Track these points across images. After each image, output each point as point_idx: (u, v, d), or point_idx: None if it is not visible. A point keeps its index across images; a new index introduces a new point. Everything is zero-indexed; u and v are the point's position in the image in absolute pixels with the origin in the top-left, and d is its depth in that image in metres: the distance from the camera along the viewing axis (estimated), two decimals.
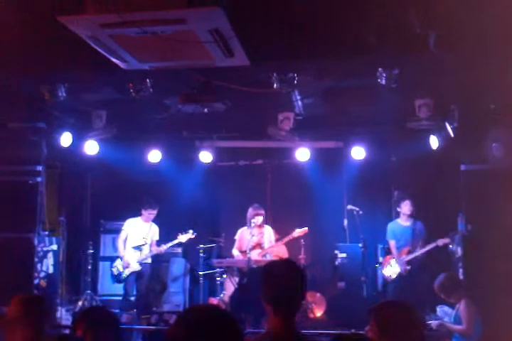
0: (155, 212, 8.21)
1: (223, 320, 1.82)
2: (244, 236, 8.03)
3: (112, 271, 8.16)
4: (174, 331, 1.80)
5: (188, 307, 8.31)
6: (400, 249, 7.83)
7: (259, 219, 7.90)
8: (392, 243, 7.98)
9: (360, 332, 6.65)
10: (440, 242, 7.49)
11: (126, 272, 8.01)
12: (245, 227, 8.06)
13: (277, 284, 2.59)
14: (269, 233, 8.06)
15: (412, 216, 7.90)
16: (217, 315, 1.83)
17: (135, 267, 8.02)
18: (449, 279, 5.59)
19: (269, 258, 7.89)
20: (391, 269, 7.78)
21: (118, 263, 8.09)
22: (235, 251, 8.11)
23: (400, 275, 7.71)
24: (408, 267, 7.67)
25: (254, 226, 7.84)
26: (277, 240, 8.10)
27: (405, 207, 7.88)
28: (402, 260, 7.72)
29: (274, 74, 5.74)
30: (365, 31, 4.72)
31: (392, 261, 7.81)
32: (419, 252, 7.65)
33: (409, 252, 7.72)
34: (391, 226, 8.04)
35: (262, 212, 7.96)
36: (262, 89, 5.85)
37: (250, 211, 7.97)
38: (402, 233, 7.89)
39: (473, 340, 5.34)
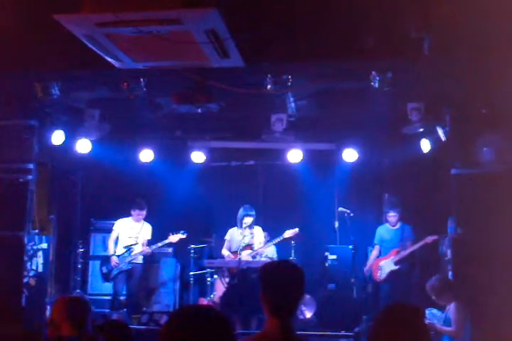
0: (143, 212, 8.20)
1: (216, 319, 1.83)
2: (235, 236, 8.01)
3: (101, 269, 8.14)
4: (168, 331, 1.80)
5: (180, 306, 8.31)
6: (389, 251, 7.89)
7: (250, 220, 7.88)
8: (376, 247, 8.06)
9: (349, 333, 6.73)
10: (429, 239, 7.54)
11: (115, 271, 8.00)
12: (235, 228, 8.03)
13: (276, 285, 2.59)
14: (259, 234, 8.04)
15: (400, 220, 7.97)
16: (210, 314, 1.84)
17: (124, 266, 8.01)
18: (440, 281, 5.64)
19: (258, 259, 7.89)
20: (381, 271, 7.83)
21: (108, 262, 8.07)
22: (225, 251, 8.07)
23: (389, 277, 7.75)
24: (397, 267, 7.72)
25: (244, 227, 7.84)
26: (268, 241, 8.09)
27: (390, 218, 8.00)
28: (391, 261, 7.77)
29: (269, 76, 5.74)
30: (360, 34, 4.75)
31: (382, 263, 7.86)
32: (407, 251, 7.71)
33: (398, 253, 7.78)
34: (379, 230, 8.12)
35: (253, 213, 7.94)
36: (256, 90, 5.86)
37: (241, 212, 7.95)
38: (390, 235, 7.98)
39: None
